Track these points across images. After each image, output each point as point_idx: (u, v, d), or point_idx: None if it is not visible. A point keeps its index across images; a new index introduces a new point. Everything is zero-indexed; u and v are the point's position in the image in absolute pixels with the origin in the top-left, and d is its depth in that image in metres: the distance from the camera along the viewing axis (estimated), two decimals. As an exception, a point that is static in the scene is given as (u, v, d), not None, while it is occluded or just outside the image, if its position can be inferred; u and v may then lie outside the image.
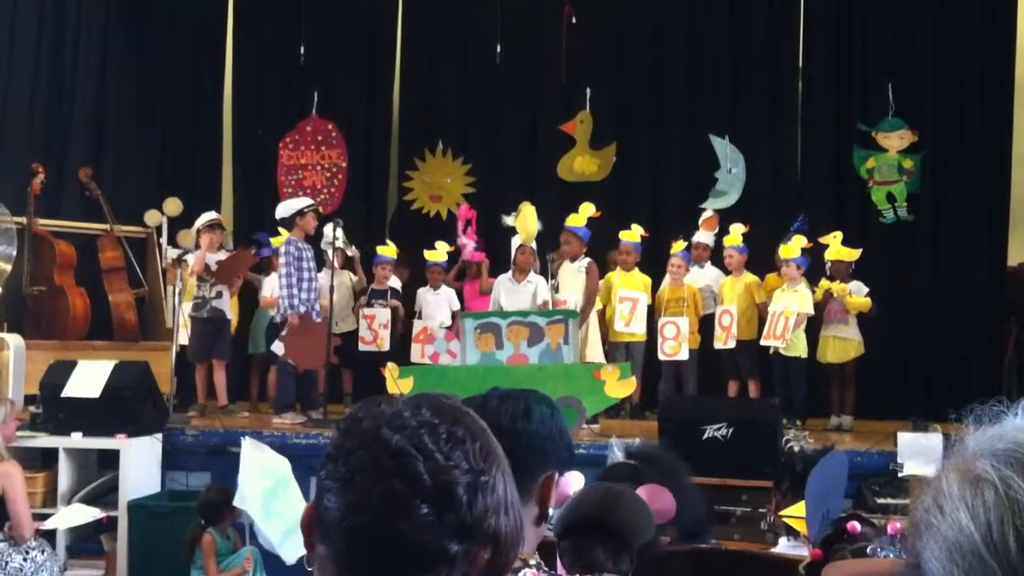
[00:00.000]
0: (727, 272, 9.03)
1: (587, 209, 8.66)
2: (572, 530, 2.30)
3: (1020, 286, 9.34)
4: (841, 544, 2.43)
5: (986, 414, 1.05)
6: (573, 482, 2.00)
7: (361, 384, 9.27)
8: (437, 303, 9.28)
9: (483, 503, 1.12)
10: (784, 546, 4.25)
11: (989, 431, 1.03)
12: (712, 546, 4.38)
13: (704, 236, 9.29)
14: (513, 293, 8.57)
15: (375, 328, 9.25)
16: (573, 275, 8.53)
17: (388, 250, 9.63)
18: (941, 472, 1.03)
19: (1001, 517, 0.94)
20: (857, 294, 8.48)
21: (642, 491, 2.54)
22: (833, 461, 3.21)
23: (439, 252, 9.45)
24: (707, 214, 9.50)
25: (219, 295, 8.88)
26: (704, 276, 9.20)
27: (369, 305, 9.39)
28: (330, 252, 8.76)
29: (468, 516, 1.11)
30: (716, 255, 9.28)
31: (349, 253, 9.45)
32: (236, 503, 5.77)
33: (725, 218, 9.45)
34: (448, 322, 9.07)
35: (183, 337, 8.99)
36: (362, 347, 9.24)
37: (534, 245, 8.61)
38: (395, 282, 9.64)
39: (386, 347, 9.17)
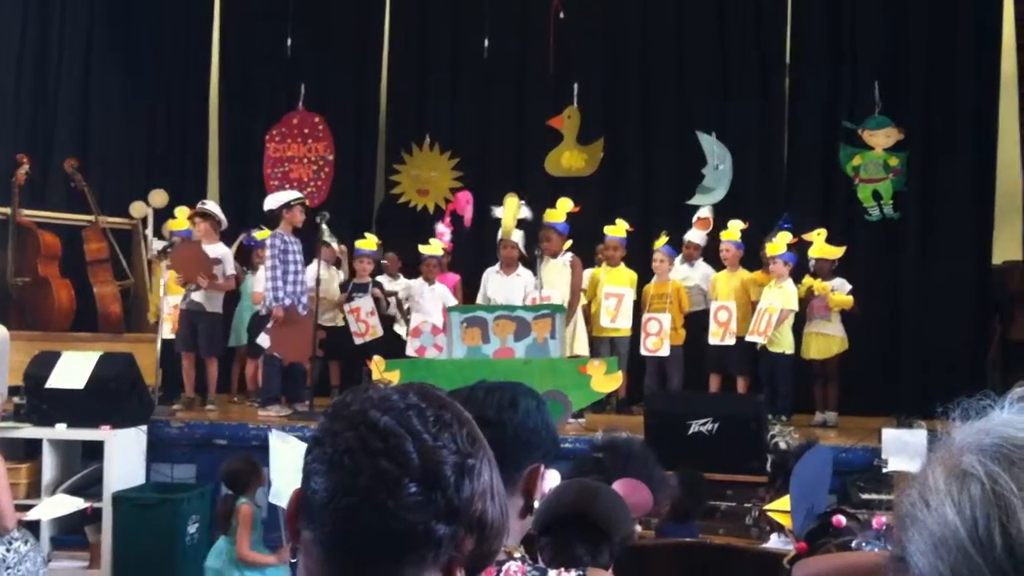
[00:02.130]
0: (718, 268, 9.03)
1: (565, 204, 8.65)
2: (551, 526, 2.31)
3: (1005, 284, 9.38)
4: (826, 538, 2.44)
5: (973, 408, 1.05)
6: (549, 479, 2.00)
7: (347, 377, 9.24)
8: (432, 298, 9.07)
9: (470, 486, 1.13)
10: (775, 542, 4.26)
11: (976, 425, 1.02)
12: (698, 540, 4.40)
13: (695, 235, 9.28)
14: (502, 286, 8.57)
15: (363, 319, 9.22)
16: (557, 270, 8.52)
17: (367, 243, 9.60)
18: (927, 466, 1.03)
19: (987, 513, 0.94)
20: (840, 291, 8.50)
21: (618, 485, 2.55)
22: (817, 456, 3.22)
23: (434, 246, 9.32)
24: (702, 213, 9.48)
25: (196, 287, 8.79)
26: (694, 274, 9.20)
27: (350, 300, 9.35)
28: (327, 243, 8.76)
29: (456, 498, 1.11)
30: (708, 252, 9.27)
31: (334, 247, 9.42)
32: (271, 499, 5.74)
33: (716, 215, 9.45)
34: (441, 319, 8.99)
35: (168, 329, 8.97)
36: (358, 341, 9.16)
37: (515, 238, 8.59)
38: (399, 283, 9.60)
39: (380, 333, 9.13)
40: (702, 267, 9.23)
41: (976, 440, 1.00)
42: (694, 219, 9.43)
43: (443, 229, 9.52)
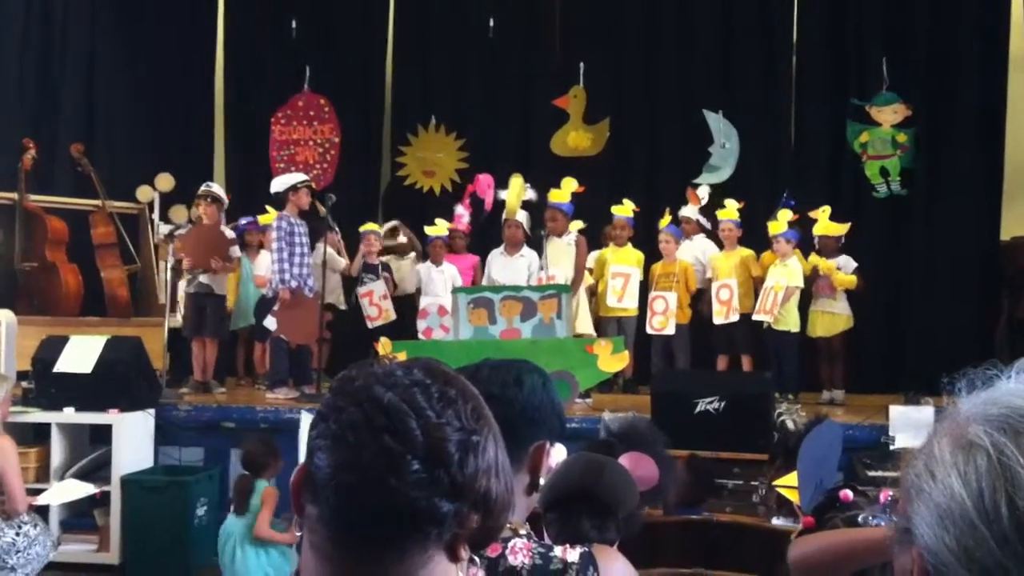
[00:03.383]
0: (719, 246, 9.00)
1: (569, 184, 8.62)
2: (557, 502, 2.30)
3: (1013, 260, 9.34)
4: (833, 512, 2.43)
5: (979, 378, 1.04)
6: (555, 454, 1.99)
7: (355, 359, 9.20)
8: (441, 280, 9.01)
9: (474, 463, 1.12)
10: (778, 523, 4.26)
11: (982, 396, 1.01)
12: (705, 518, 4.40)
13: (688, 211, 9.27)
14: (506, 267, 8.56)
15: (376, 303, 9.19)
16: (562, 250, 8.51)
17: (370, 225, 9.57)
18: (933, 437, 1.02)
19: (993, 484, 0.93)
20: (845, 269, 8.47)
21: (624, 459, 2.54)
22: (826, 431, 3.21)
23: (439, 227, 9.27)
24: (700, 192, 9.45)
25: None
26: (692, 249, 9.16)
27: (362, 283, 9.33)
28: (332, 227, 8.75)
29: (459, 475, 1.10)
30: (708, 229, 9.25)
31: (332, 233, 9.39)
32: None
33: (720, 193, 9.42)
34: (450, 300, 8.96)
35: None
36: (371, 325, 9.08)
37: (520, 219, 8.57)
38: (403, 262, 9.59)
39: (393, 316, 9.12)
40: (700, 242, 9.19)
41: (982, 411, 0.99)
42: (687, 192, 9.42)
43: (461, 211, 9.48)
